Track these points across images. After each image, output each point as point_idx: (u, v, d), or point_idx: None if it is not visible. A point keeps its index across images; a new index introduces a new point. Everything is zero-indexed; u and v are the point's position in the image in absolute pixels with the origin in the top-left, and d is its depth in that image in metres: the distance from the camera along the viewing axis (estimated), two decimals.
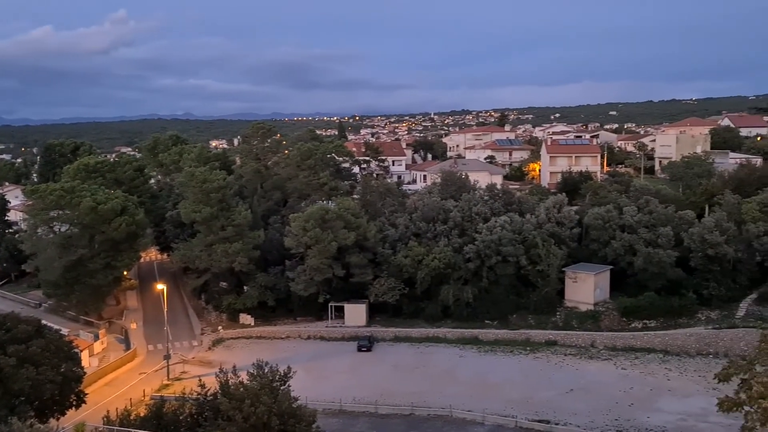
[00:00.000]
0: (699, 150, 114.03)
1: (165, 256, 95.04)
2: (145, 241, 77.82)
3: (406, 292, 66.77)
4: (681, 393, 49.26)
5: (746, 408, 29.42)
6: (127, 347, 65.92)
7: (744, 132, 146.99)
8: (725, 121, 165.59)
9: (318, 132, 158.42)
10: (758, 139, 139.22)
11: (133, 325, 71.02)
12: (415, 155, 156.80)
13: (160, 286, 64.23)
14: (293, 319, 70.54)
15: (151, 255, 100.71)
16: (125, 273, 80.00)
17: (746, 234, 64.09)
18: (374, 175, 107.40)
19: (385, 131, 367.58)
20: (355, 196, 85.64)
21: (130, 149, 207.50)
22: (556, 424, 44.65)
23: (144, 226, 75.16)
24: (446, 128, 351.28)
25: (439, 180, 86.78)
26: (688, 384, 50.89)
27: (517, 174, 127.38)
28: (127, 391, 54.03)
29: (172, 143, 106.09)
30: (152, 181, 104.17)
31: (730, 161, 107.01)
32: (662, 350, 58.23)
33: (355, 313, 67.57)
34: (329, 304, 68.06)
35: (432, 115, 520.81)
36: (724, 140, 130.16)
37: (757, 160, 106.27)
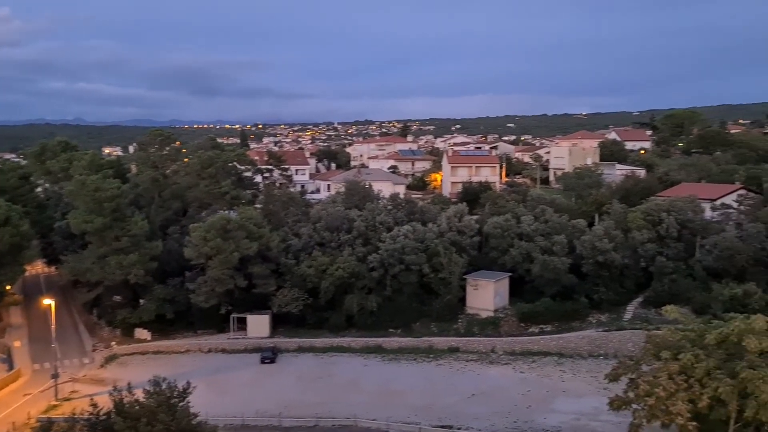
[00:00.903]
0: (589, 162, 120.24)
1: (53, 269, 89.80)
2: (31, 253, 73.27)
3: (310, 302, 66.17)
4: (575, 393, 51.41)
5: (634, 406, 31.05)
6: (10, 367, 61.54)
7: (629, 145, 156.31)
8: (612, 135, 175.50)
9: (219, 140, 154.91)
10: (641, 152, 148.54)
11: (17, 343, 66.51)
12: (319, 164, 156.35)
13: (48, 301, 60.49)
14: (194, 332, 68.25)
15: (38, 268, 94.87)
16: (8, 287, 74.79)
17: (632, 241, 67.92)
18: (277, 185, 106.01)
19: (288, 140, 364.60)
20: (257, 205, 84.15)
21: (14, 155, 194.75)
22: (459, 428, 45.48)
23: (29, 238, 70.72)
24: (350, 138, 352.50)
25: (343, 189, 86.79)
26: (581, 385, 53.18)
27: (419, 184, 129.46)
28: (9, 414, 50.37)
29: (61, 149, 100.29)
30: (39, 189, 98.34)
31: (617, 172, 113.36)
32: (557, 353, 60.63)
33: (258, 325, 66.25)
34: (231, 316, 66.39)
35: (336, 125, 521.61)
36: (611, 153, 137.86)
37: (641, 172, 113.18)
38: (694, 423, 28.43)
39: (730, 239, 66.04)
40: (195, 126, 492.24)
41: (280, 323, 67.44)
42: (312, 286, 66.12)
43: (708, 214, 74.61)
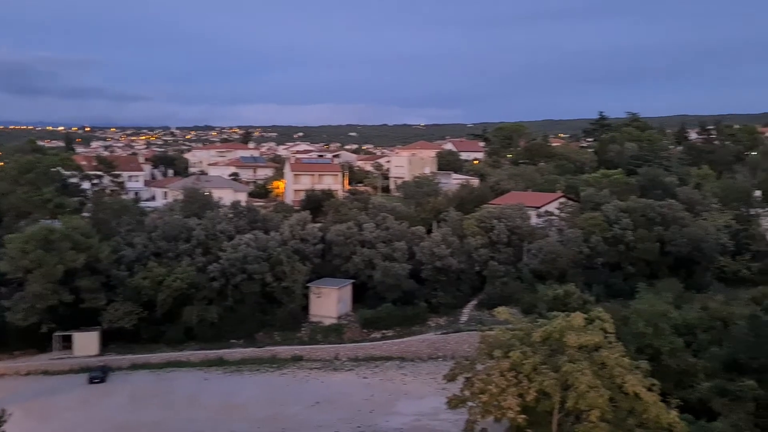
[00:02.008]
0: (427, 171, 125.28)
1: None
2: None
3: (145, 315, 62.48)
4: (416, 395, 52.99)
5: (470, 403, 32.49)
6: None
7: (464, 156, 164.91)
8: (449, 146, 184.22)
9: (41, 143, 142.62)
10: (475, 162, 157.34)
11: None
12: (155, 171, 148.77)
13: None
14: (10, 353, 61.70)
15: None
16: None
17: (467, 246, 71.46)
18: (107, 192, 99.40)
19: (120, 144, 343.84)
20: (85, 213, 78.26)
21: None
22: None
23: None
24: (188, 144, 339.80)
25: (181, 197, 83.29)
26: (421, 386, 54.93)
27: (261, 191, 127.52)
28: None
29: None
30: None
31: (453, 181, 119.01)
32: (399, 357, 62.18)
33: (86, 342, 61.42)
34: (54, 334, 61.00)
35: (173, 130, 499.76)
36: (448, 162, 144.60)
37: (475, 181, 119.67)
38: (523, 416, 30.27)
39: (553, 244, 71.68)
40: (12, 127, 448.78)
41: (111, 340, 62.94)
42: (147, 299, 62.48)
43: (534, 220, 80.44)
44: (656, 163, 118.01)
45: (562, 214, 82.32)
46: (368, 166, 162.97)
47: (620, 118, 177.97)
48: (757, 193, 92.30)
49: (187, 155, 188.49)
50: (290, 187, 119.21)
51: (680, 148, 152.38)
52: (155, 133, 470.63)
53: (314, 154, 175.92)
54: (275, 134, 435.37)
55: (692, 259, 73.99)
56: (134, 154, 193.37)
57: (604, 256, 72.41)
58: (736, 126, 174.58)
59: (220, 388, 54.98)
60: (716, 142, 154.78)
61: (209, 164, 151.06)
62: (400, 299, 67.66)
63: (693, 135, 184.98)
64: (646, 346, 45.77)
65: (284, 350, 62.44)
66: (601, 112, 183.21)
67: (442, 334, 64.43)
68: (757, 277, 73.77)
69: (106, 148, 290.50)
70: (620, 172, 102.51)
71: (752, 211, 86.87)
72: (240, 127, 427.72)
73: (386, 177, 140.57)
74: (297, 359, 61.52)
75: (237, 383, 56.20)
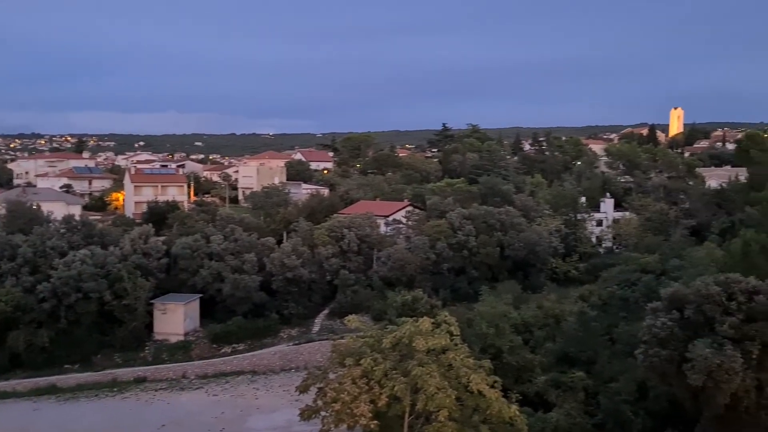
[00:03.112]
0: (277, 181, 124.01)
1: None
2: None
3: None
4: (268, 409, 51.93)
5: (323, 413, 32.31)
6: None
7: (314, 165, 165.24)
8: (298, 156, 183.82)
9: None
10: (325, 172, 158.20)
11: None
12: None
13: None
14: None
15: None
16: None
17: (318, 256, 71.45)
18: None
19: None
20: None
21: None
22: None
23: None
24: (12, 153, 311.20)
25: (4, 211, 76.16)
26: (274, 400, 53.95)
27: (98, 204, 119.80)
28: None
29: None
30: None
31: (303, 191, 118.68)
32: (251, 371, 60.69)
33: None
34: None
35: None
36: (297, 172, 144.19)
37: (325, 191, 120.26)
38: (375, 421, 30.61)
39: (401, 251, 73.62)
40: None
41: None
42: None
43: (383, 229, 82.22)
44: (495, 172, 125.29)
45: (410, 222, 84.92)
46: (215, 177, 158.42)
47: (462, 130, 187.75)
48: (583, 199, 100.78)
49: (11, 165, 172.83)
50: (131, 199, 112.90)
51: (516, 158, 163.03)
52: None
53: (157, 164, 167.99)
54: (113, 143, 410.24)
55: (528, 262, 79.20)
56: None
57: (449, 262, 75.47)
58: (564, 138, 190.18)
59: (53, 418, 50.52)
60: (547, 153, 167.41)
61: (37, 175, 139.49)
62: (250, 312, 66.18)
63: (527, 146, 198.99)
64: (489, 346, 48.25)
65: (126, 372, 58.70)
66: (445, 123, 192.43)
67: (294, 345, 63.82)
68: (583, 277, 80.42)
69: None
70: (463, 181, 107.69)
71: (579, 216, 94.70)
72: (73, 136, 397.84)
73: (234, 187, 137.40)
74: (140, 381, 58.08)
75: (73, 411, 51.92)
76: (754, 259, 39.59)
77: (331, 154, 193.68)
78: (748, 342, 33.95)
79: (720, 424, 35.30)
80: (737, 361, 33.06)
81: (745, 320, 34.65)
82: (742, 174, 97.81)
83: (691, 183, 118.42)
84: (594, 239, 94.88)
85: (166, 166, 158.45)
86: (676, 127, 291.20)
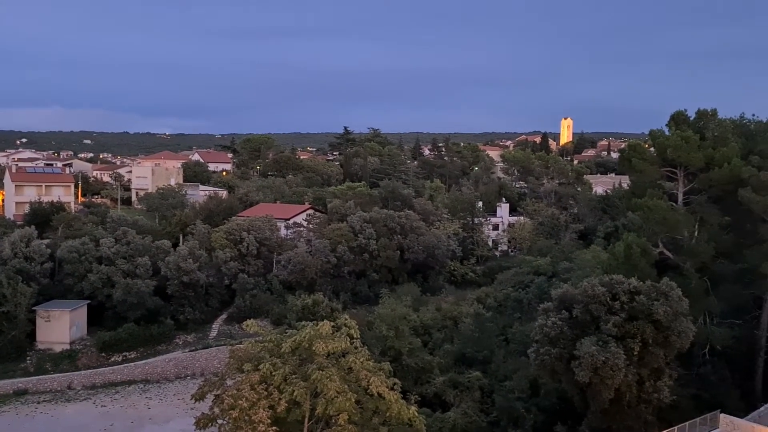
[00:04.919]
0: (173, 182, 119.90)
1: None
2: None
3: None
4: (162, 419, 50.07)
5: (219, 421, 31.46)
6: None
7: (212, 167, 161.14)
8: (196, 156, 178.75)
9: None
10: (224, 173, 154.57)
11: None
12: None
13: None
14: None
15: None
16: None
17: (216, 260, 69.69)
18: None
19: None
20: None
21: None
22: None
23: None
24: None
25: None
26: (168, 409, 52.07)
27: None
28: None
29: None
30: None
31: (200, 193, 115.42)
32: (143, 380, 58.32)
33: None
34: None
35: None
36: (195, 173, 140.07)
37: (223, 193, 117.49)
38: (275, 427, 30.10)
39: (302, 254, 73.01)
40: None
41: None
42: None
43: (283, 232, 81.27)
44: (396, 176, 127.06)
45: (311, 225, 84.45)
46: (106, 177, 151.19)
47: (364, 134, 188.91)
48: (480, 203, 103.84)
49: None
50: (11, 200, 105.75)
51: (416, 162, 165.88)
52: None
53: (41, 163, 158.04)
54: None
55: (427, 265, 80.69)
56: None
57: (350, 265, 75.62)
58: (462, 144, 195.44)
59: None
60: (446, 158, 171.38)
61: None
62: (143, 318, 63.52)
63: (426, 151, 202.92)
64: (388, 348, 48.75)
65: (4, 384, 54.86)
66: (346, 127, 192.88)
67: (190, 351, 61.85)
68: (480, 279, 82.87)
69: None
70: (364, 185, 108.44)
71: (476, 220, 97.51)
72: None
73: (127, 188, 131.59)
74: (21, 393, 54.46)
75: None
76: (636, 261, 42.01)
77: (230, 155, 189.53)
78: (630, 339, 36.01)
79: (606, 417, 37.25)
80: (620, 357, 35.00)
81: (627, 319, 36.75)
82: (625, 181, 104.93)
83: (579, 189, 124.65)
84: (491, 243, 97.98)
85: (51, 164, 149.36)
86: (566, 135, 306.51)
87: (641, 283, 38.10)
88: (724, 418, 34.65)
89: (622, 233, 51.92)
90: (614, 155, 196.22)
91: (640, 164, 47.52)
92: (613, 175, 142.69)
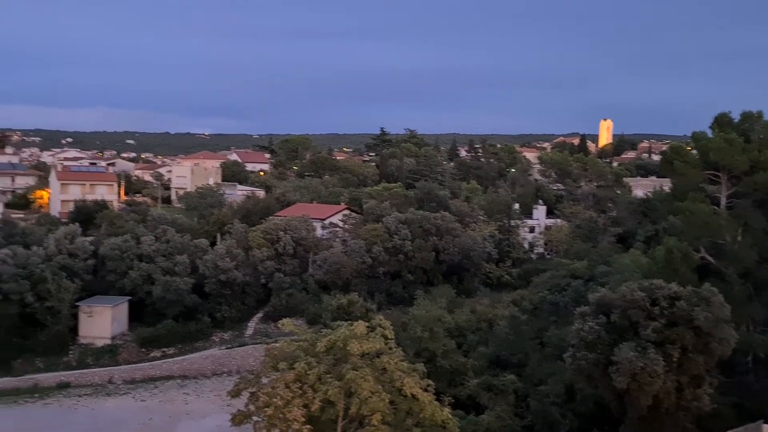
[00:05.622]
0: (211, 182, 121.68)
1: None
2: None
3: None
4: (199, 415, 50.84)
5: (254, 418, 31.82)
6: None
7: (250, 167, 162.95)
8: (234, 156, 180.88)
9: None
10: (261, 173, 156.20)
11: None
12: None
13: None
14: None
15: None
16: None
17: (252, 259, 70.49)
18: None
19: None
20: None
21: None
22: None
23: None
24: None
25: None
26: (205, 405, 52.84)
27: (21, 202, 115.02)
28: None
29: None
30: None
31: (238, 193, 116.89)
32: (181, 376, 59.34)
33: None
34: None
35: None
36: (233, 173, 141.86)
37: (261, 193, 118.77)
38: (309, 426, 30.33)
39: (337, 254, 73.36)
40: None
41: None
42: None
43: (319, 232, 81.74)
44: (432, 177, 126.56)
45: (346, 226, 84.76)
46: (148, 176, 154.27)
47: (400, 134, 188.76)
48: (516, 205, 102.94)
49: None
50: (56, 198, 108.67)
51: (452, 164, 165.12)
52: None
53: (86, 162, 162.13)
54: (39, 139, 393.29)
55: (462, 267, 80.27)
56: None
57: (385, 266, 75.69)
58: (499, 145, 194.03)
59: None
60: (482, 160, 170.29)
61: None
62: (182, 315, 64.66)
63: (463, 152, 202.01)
64: (423, 350, 48.63)
65: (48, 377, 56.42)
66: (383, 128, 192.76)
67: (226, 348, 62.70)
68: (516, 282, 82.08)
69: None
70: (400, 186, 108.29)
71: (512, 222, 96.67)
72: None
73: (167, 187, 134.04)
74: (64, 386, 55.92)
75: None
76: (676, 266, 41.18)
77: (267, 155, 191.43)
78: (669, 345, 35.29)
79: (643, 424, 36.57)
80: (659, 364, 34.32)
81: (667, 325, 36.01)
82: (666, 184, 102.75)
83: (618, 192, 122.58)
84: (526, 245, 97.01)
85: (95, 164, 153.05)
86: (605, 137, 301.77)
87: (682, 288, 37.27)
88: (767, 428, 33.74)
89: (663, 237, 50.87)
90: (655, 158, 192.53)
91: (682, 167, 46.58)
92: (654, 177, 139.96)
